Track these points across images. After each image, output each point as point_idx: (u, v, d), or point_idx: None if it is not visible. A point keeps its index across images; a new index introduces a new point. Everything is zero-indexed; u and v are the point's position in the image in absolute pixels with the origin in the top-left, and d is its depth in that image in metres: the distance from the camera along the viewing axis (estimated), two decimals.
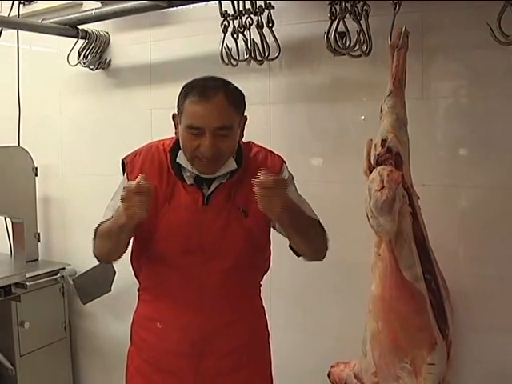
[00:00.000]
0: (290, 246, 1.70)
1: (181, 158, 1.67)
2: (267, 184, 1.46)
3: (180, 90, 1.64)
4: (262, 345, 1.85)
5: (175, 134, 1.69)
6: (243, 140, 1.77)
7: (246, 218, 1.66)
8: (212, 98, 1.56)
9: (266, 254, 1.79)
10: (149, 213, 1.53)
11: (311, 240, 1.65)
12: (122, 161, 1.77)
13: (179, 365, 1.73)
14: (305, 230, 1.62)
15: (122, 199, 1.51)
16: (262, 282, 1.84)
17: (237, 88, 1.66)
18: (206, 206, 1.66)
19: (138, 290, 1.83)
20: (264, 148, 1.79)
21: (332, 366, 2.00)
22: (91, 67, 2.83)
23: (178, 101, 1.64)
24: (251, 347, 1.78)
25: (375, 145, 1.77)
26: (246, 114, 1.70)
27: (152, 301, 1.77)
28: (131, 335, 1.84)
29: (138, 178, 1.51)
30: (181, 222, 1.66)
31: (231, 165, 1.66)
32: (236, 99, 1.62)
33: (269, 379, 1.86)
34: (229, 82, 1.65)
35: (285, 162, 1.77)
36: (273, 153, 1.78)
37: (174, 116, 1.68)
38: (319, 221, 1.71)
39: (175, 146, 1.69)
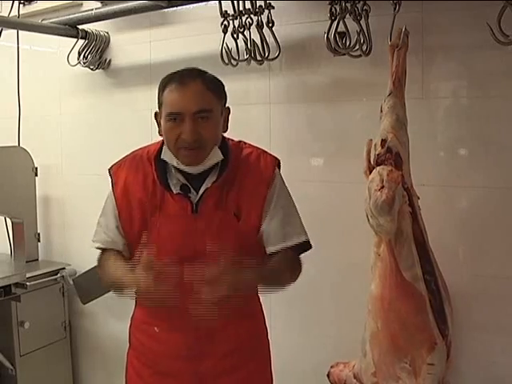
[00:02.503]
0: None
1: (165, 154, 1.63)
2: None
3: (158, 86, 1.63)
4: (261, 344, 1.83)
5: (158, 132, 1.66)
6: (233, 139, 1.74)
7: (238, 223, 1.63)
8: (189, 84, 1.56)
9: (262, 256, 1.73)
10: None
11: (282, 287, 1.67)
12: (109, 170, 1.75)
13: (177, 367, 1.71)
14: (276, 285, 1.65)
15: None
16: None
17: (215, 77, 1.65)
18: (196, 214, 1.62)
19: (136, 293, 1.82)
20: (256, 148, 1.74)
21: (331, 366, 2.00)
22: (91, 67, 2.83)
23: (158, 95, 1.63)
24: (250, 347, 1.77)
25: (375, 145, 1.77)
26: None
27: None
28: (129, 338, 1.84)
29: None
30: (171, 233, 1.63)
31: (217, 155, 1.61)
32: (214, 85, 1.61)
33: (269, 379, 1.84)
34: (206, 71, 1.64)
35: (279, 164, 1.72)
36: (266, 153, 1.73)
37: (155, 114, 1.67)
38: (307, 241, 1.70)
39: (159, 153, 1.66)
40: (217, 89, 1.62)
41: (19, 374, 2.76)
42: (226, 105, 1.68)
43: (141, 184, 1.66)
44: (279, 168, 1.72)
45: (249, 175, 1.66)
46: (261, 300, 1.83)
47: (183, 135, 1.55)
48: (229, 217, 1.63)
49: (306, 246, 1.71)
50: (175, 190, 1.63)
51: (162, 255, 1.63)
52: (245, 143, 1.75)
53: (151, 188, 1.65)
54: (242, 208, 1.63)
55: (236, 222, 1.62)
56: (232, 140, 1.73)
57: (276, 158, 1.72)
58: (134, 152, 1.76)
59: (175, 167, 1.63)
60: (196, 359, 1.70)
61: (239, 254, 1.62)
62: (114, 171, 1.74)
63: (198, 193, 1.63)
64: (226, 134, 1.71)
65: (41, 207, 3.09)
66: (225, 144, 1.68)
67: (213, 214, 1.62)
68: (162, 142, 1.66)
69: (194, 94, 1.56)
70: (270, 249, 1.68)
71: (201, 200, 1.63)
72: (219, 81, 1.65)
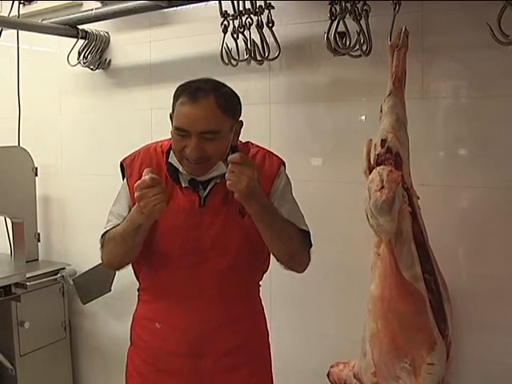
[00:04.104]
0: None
1: (172, 158, 1.66)
2: (235, 160, 1.48)
3: (175, 90, 1.63)
4: (261, 344, 1.84)
5: (171, 133, 1.68)
6: (241, 140, 1.75)
7: (243, 218, 1.65)
8: (200, 101, 1.53)
9: (264, 253, 1.77)
10: (166, 204, 1.52)
11: (283, 243, 1.62)
12: (121, 163, 1.77)
13: (178, 365, 1.73)
14: (277, 230, 1.60)
15: (138, 198, 1.49)
16: (261, 283, 1.84)
17: (231, 92, 1.63)
18: (203, 208, 1.66)
19: (138, 290, 1.83)
20: (262, 148, 1.78)
21: (331, 366, 2.00)
22: (91, 67, 2.83)
23: (172, 101, 1.63)
24: (250, 347, 1.78)
25: (375, 145, 1.77)
26: (243, 118, 1.67)
27: (151, 301, 1.78)
28: (131, 335, 1.84)
29: (146, 172, 1.50)
30: (178, 225, 1.66)
31: (221, 168, 1.62)
32: (228, 103, 1.58)
33: (268, 379, 1.85)
34: (223, 85, 1.62)
35: (284, 164, 1.75)
36: (271, 153, 1.76)
37: (170, 115, 1.68)
38: (308, 232, 1.70)
39: (170, 148, 1.68)
40: (229, 106, 1.58)
41: (19, 374, 2.76)
42: (240, 118, 1.66)
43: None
44: (284, 167, 1.75)
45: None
46: (262, 303, 1.85)
47: (187, 150, 1.56)
48: (234, 212, 1.66)
49: (309, 237, 1.71)
50: (184, 183, 1.67)
51: (168, 247, 1.67)
52: (252, 144, 1.78)
53: (163, 179, 1.66)
54: None
55: (241, 218, 1.66)
56: (240, 141, 1.75)
57: (281, 159, 1.76)
58: (146, 145, 1.78)
59: None
60: (196, 356, 1.71)
61: (243, 250, 1.68)
62: (128, 163, 1.75)
63: (205, 188, 1.67)
64: None
65: (41, 207, 3.09)
66: (235, 147, 1.70)
67: (219, 208, 1.66)
68: None
69: (203, 114, 1.54)
70: None
71: (209, 195, 1.67)
72: (234, 96, 1.63)
